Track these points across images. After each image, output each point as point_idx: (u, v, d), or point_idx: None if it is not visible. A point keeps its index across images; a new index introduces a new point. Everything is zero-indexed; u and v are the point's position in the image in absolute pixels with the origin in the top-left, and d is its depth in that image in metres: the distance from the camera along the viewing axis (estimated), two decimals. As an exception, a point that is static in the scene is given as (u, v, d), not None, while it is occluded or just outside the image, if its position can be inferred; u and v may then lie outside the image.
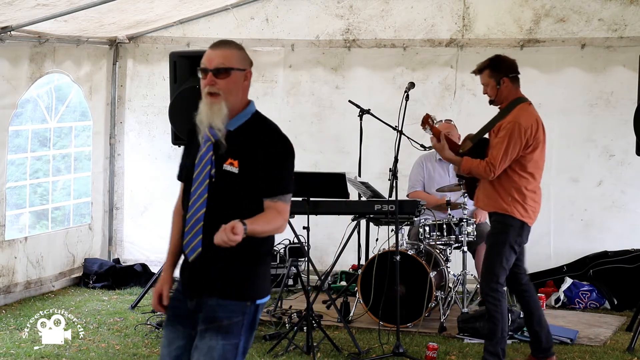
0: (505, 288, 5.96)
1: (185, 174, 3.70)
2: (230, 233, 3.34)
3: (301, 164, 8.28)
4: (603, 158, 8.42)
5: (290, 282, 8.47)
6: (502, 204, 5.85)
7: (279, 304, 7.42)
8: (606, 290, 7.91)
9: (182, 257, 3.70)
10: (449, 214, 7.31)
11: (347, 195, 6.71)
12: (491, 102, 6.02)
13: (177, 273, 3.79)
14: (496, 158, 5.76)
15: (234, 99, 3.58)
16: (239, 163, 3.54)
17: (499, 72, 5.90)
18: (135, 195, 9.37)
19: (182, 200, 3.70)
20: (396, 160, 6.33)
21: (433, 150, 7.53)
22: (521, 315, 6.82)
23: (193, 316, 3.61)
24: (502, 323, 5.86)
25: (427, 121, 6.04)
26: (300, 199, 6.62)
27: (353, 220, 7.33)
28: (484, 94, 6.01)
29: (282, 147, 3.59)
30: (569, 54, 8.39)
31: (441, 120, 7.91)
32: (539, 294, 7.89)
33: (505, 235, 5.86)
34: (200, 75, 3.59)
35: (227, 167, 3.55)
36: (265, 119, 3.68)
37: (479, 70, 5.99)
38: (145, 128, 9.28)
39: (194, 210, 3.57)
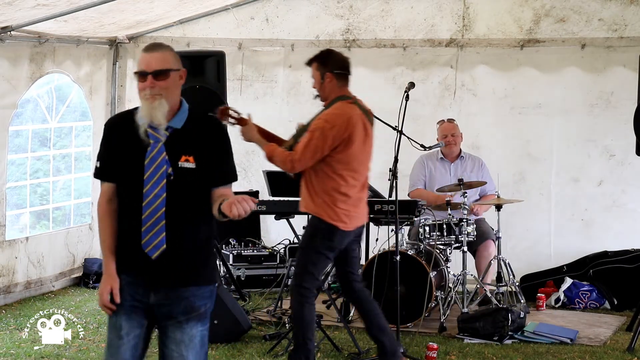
0: (315, 291, 5.71)
1: (127, 175, 3.72)
2: (251, 203, 3.48)
3: (301, 164, 8.36)
4: (603, 158, 8.42)
5: (291, 282, 8.46)
6: (311, 205, 5.59)
7: (279, 304, 7.42)
8: (606, 290, 7.90)
9: (124, 255, 3.75)
10: (449, 214, 7.31)
11: (347, 195, 6.69)
12: (316, 97, 5.78)
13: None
14: (297, 151, 5.45)
15: (173, 98, 3.73)
16: (194, 158, 3.69)
17: (325, 66, 5.65)
18: (135, 195, 9.34)
19: (128, 200, 3.72)
20: (396, 160, 6.32)
21: (434, 150, 7.57)
22: (521, 315, 6.83)
23: (151, 309, 3.73)
24: (303, 328, 5.55)
25: (225, 112, 5.52)
26: (300, 199, 6.61)
27: (353, 220, 7.31)
28: (313, 87, 5.75)
29: (226, 137, 3.80)
30: (569, 54, 8.38)
31: (444, 120, 7.91)
32: (538, 294, 7.91)
33: (312, 239, 5.60)
34: (137, 79, 3.71)
35: (183, 164, 3.68)
36: (200, 112, 3.84)
37: (309, 63, 5.73)
38: (145, 128, 9.26)
39: (151, 210, 3.65)
